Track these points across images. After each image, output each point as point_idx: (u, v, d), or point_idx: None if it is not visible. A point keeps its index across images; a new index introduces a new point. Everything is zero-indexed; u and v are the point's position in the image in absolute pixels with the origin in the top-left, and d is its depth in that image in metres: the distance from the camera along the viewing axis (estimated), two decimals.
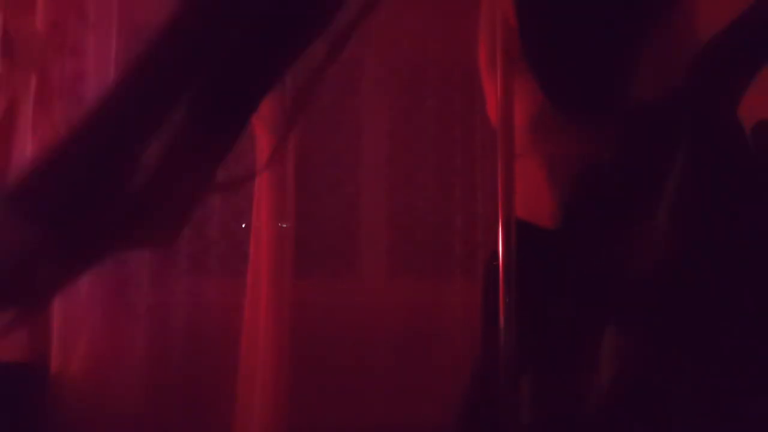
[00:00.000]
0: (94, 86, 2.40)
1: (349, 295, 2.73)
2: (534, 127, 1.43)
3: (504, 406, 1.26)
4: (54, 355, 2.35)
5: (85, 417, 2.33)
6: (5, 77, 2.31)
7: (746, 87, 1.19)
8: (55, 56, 2.38)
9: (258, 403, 2.41)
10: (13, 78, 2.31)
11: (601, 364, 1.19)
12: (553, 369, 1.29)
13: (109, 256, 1.10)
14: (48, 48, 2.36)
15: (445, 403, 2.56)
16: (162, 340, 2.49)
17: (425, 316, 2.68)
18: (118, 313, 2.43)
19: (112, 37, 2.48)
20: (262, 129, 2.42)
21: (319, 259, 2.75)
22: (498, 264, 1.25)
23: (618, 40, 1.24)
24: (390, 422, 2.51)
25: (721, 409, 1.10)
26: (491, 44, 1.54)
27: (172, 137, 0.99)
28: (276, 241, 2.50)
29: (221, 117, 1.06)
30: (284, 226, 2.53)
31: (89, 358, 2.37)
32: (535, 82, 1.34)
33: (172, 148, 1.00)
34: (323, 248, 2.77)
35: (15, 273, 0.99)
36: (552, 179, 1.42)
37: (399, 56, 2.83)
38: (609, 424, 1.17)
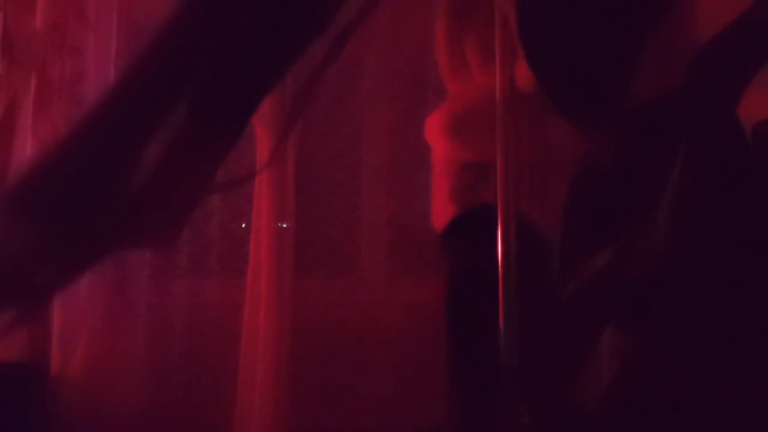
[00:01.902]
0: (94, 86, 2.40)
1: (349, 295, 2.72)
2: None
3: (504, 406, 1.26)
4: (54, 355, 2.35)
5: (85, 417, 2.33)
6: (5, 77, 2.31)
7: (746, 87, 1.19)
8: (55, 56, 2.38)
9: (258, 403, 2.41)
10: (13, 78, 2.31)
11: (601, 363, 1.19)
12: (553, 369, 1.29)
13: (109, 256, 1.10)
14: (48, 48, 2.36)
15: (445, 403, 2.56)
16: (162, 340, 2.49)
17: (425, 316, 2.67)
18: (118, 313, 2.43)
19: (112, 37, 2.48)
20: (262, 129, 2.42)
21: (319, 259, 2.75)
22: None
23: (618, 41, 1.24)
24: (390, 422, 2.50)
25: (721, 408, 1.10)
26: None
27: (172, 137, 0.99)
28: (276, 241, 2.49)
29: (221, 117, 1.06)
30: (284, 226, 2.53)
31: (89, 358, 2.37)
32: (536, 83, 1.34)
33: (172, 148, 1.00)
34: (323, 248, 2.77)
35: (15, 273, 0.99)
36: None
37: (399, 56, 2.82)
38: (609, 423, 1.17)
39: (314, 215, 2.75)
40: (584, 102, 1.27)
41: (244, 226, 2.64)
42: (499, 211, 1.48)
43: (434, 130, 2.07)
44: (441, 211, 2.03)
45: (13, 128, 2.32)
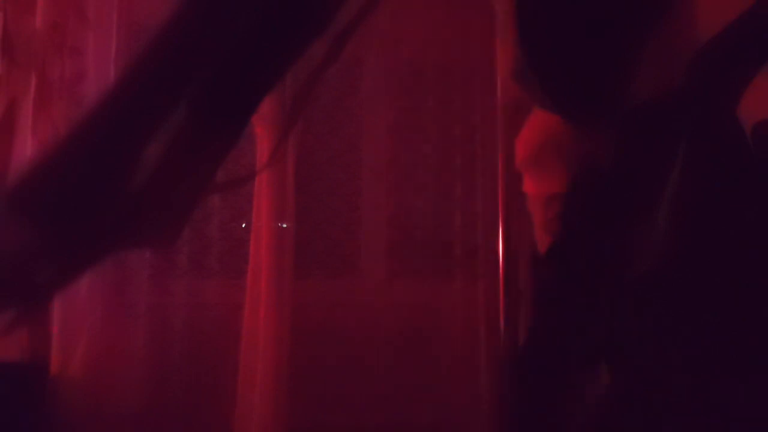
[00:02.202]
0: (94, 86, 2.40)
1: (349, 295, 2.72)
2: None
3: (504, 406, 1.26)
4: (54, 355, 2.35)
5: (85, 417, 2.33)
6: (5, 77, 2.31)
7: (746, 87, 1.19)
8: (55, 56, 2.38)
9: (258, 403, 2.41)
10: (13, 78, 2.31)
11: (600, 364, 1.19)
12: (553, 369, 1.29)
13: (109, 256, 1.10)
14: (48, 48, 2.36)
15: (444, 403, 2.57)
16: (162, 340, 2.49)
17: (425, 316, 2.68)
18: (118, 313, 2.43)
19: (112, 37, 2.48)
20: (262, 129, 2.42)
21: (319, 259, 2.75)
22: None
23: (618, 41, 1.24)
24: (389, 422, 2.51)
25: (721, 409, 1.10)
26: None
27: (172, 137, 0.99)
28: (276, 241, 2.50)
29: (221, 117, 1.06)
30: (284, 226, 2.53)
31: (89, 358, 2.37)
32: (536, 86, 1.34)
33: (172, 148, 1.00)
34: (323, 248, 2.77)
35: (15, 273, 0.99)
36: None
37: (399, 56, 2.83)
38: (608, 424, 1.18)
39: (314, 215, 2.75)
40: (584, 102, 1.27)
41: (244, 226, 2.64)
42: (500, 211, 1.48)
43: (519, 162, 2.05)
44: (538, 241, 2.02)
45: (13, 128, 2.32)
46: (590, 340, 1.21)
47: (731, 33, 1.18)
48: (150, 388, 2.43)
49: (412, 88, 2.86)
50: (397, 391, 2.56)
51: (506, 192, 2.15)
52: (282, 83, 1.16)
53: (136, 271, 2.48)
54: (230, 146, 1.08)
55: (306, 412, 2.44)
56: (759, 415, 1.09)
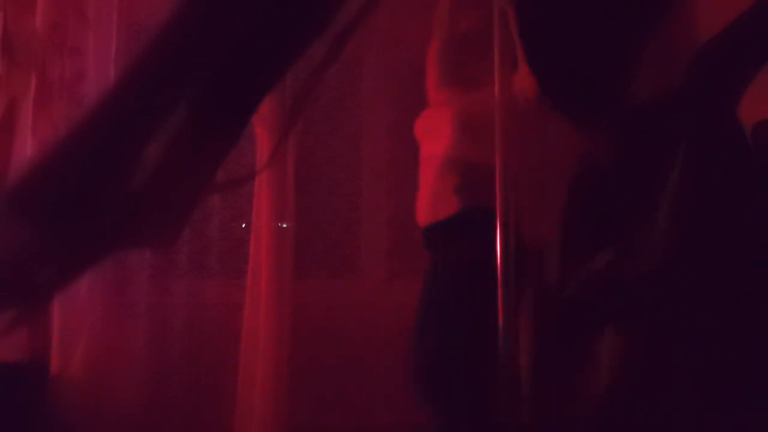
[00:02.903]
0: (94, 86, 2.40)
1: (349, 295, 2.72)
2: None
3: (504, 406, 1.26)
4: (54, 355, 2.35)
5: (85, 417, 2.33)
6: (5, 77, 2.31)
7: (746, 87, 1.19)
8: (55, 56, 2.38)
9: (258, 403, 2.41)
10: (13, 78, 2.31)
11: (600, 363, 1.19)
12: (553, 369, 1.29)
13: (109, 256, 1.10)
14: (48, 48, 2.36)
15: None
16: (162, 340, 2.49)
17: None
18: (118, 313, 2.43)
19: (112, 37, 2.48)
20: (262, 129, 2.42)
21: (319, 259, 2.75)
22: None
23: (618, 41, 1.24)
24: (390, 422, 2.50)
25: (721, 407, 1.10)
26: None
27: (172, 137, 1.00)
28: (276, 241, 2.49)
29: (221, 117, 1.06)
30: (284, 226, 2.53)
31: (89, 358, 2.37)
32: (535, 83, 1.34)
33: (172, 148, 1.00)
34: (323, 248, 2.77)
35: (15, 273, 0.99)
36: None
37: (399, 56, 2.82)
38: (609, 423, 1.18)
39: (314, 215, 2.75)
40: (584, 102, 1.27)
41: (244, 226, 2.64)
42: (498, 211, 1.48)
43: (439, 124, 2.03)
44: (436, 207, 1.99)
45: (13, 128, 2.32)
46: (590, 339, 1.21)
47: (731, 33, 1.18)
48: (150, 388, 2.43)
49: (412, 88, 2.85)
50: (397, 391, 2.56)
51: (505, 192, 2.15)
52: (282, 83, 1.17)
53: (136, 271, 2.48)
54: (230, 146, 1.09)
55: (306, 412, 2.44)
56: (759, 414, 1.09)
